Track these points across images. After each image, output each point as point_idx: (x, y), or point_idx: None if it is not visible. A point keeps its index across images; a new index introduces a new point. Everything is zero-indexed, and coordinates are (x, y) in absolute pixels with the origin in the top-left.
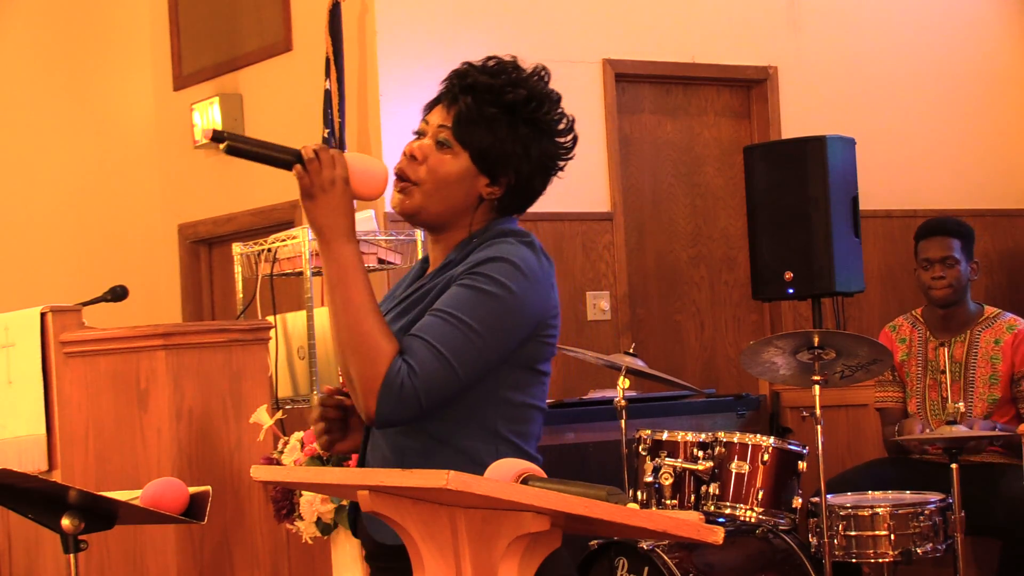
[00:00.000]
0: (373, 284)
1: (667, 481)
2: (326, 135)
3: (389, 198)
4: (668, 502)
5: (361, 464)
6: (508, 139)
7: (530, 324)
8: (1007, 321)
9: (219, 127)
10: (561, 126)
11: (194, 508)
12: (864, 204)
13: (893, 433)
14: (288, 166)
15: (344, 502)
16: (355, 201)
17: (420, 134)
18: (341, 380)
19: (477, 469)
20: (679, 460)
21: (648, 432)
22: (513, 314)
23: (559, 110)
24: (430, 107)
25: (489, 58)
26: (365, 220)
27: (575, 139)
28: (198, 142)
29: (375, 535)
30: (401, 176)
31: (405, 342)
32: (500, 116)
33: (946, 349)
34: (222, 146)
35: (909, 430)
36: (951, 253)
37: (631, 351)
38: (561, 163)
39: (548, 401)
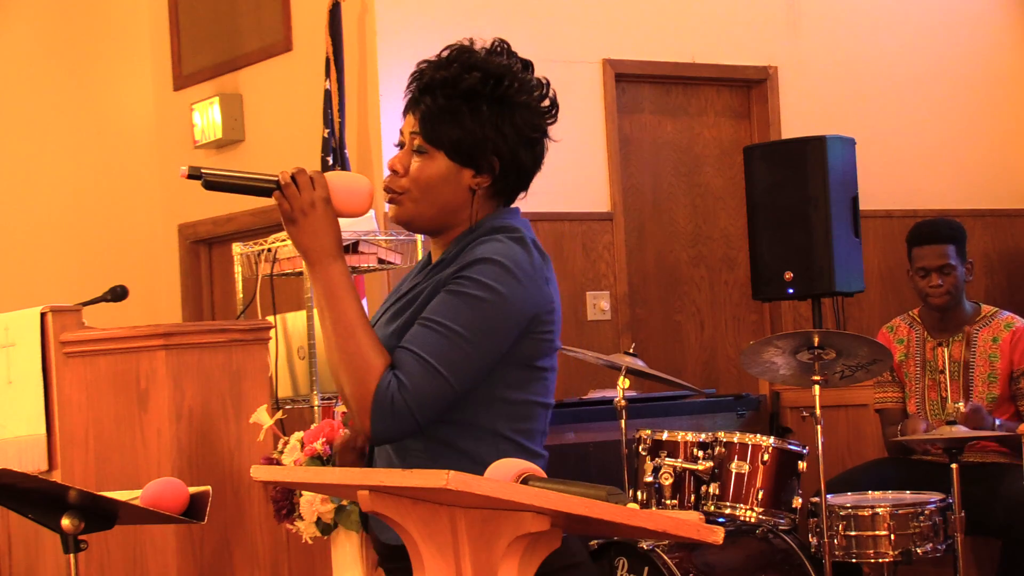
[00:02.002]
0: (373, 284)
1: (667, 481)
2: (326, 135)
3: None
4: (668, 502)
5: None
6: (476, 125)
7: (521, 323)
8: (1004, 319)
9: (196, 165)
10: (533, 93)
11: (194, 508)
12: (864, 204)
13: (895, 433)
14: (268, 193)
15: (345, 502)
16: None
17: (401, 145)
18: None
19: (479, 470)
20: (679, 460)
21: (648, 432)
22: (501, 316)
23: (525, 77)
24: (404, 116)
25: (444, 48)
26: (365, 220)
27: (554, 102)
28: (198, 142)
29: (380, 535)
30: (387, 189)
31: (396, 356)
32: (461, 106)
33: (944, 349)
34: (200, 182)
35: (913, 429)
36: (948, 261)
37: (631, 351)
38: (545, 129)
39: None
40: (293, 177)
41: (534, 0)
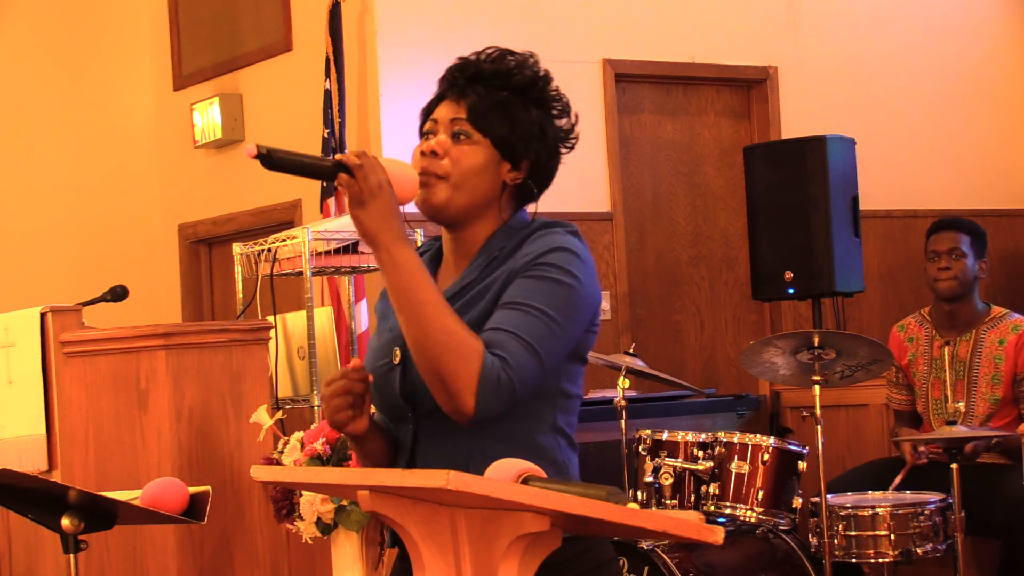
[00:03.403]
0: (374, 285)
1: (667, 481)
2: (326, 135)
3: None
4: (668, 502)
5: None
6: (525, 121)
7: (592, 312)
8: (1013, 322)
9: (258, 142)
10: (561, 106)
11: (194, 508)
12: (864, 204)
13: (895, 434)
14: (332, 175)
15: (345, 502)
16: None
17: (429, 134)
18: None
19: (547, 466)
20: (679, 460)
21: (648, 432)
22: (583, 302)
23: (556, 89)
24: (432, 107)
25: (481, 51)
26: None
27: (576, 119)
28: (198, 142)
29: None
30: (425, 172)
31: (487, 337)
32: (513, 99)
33: (950, 348)
34: (261, 161)
35: (900, 435)
36: (958, 246)
37: (631, 351)
38: (569, 142)
39: None
40: (360, 158)
41: (534, 0)
